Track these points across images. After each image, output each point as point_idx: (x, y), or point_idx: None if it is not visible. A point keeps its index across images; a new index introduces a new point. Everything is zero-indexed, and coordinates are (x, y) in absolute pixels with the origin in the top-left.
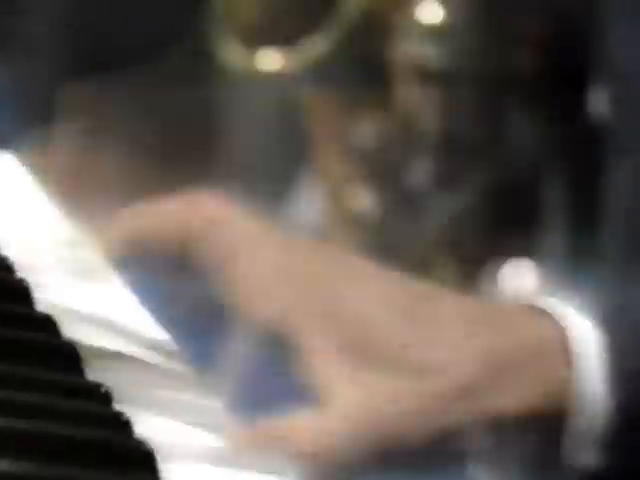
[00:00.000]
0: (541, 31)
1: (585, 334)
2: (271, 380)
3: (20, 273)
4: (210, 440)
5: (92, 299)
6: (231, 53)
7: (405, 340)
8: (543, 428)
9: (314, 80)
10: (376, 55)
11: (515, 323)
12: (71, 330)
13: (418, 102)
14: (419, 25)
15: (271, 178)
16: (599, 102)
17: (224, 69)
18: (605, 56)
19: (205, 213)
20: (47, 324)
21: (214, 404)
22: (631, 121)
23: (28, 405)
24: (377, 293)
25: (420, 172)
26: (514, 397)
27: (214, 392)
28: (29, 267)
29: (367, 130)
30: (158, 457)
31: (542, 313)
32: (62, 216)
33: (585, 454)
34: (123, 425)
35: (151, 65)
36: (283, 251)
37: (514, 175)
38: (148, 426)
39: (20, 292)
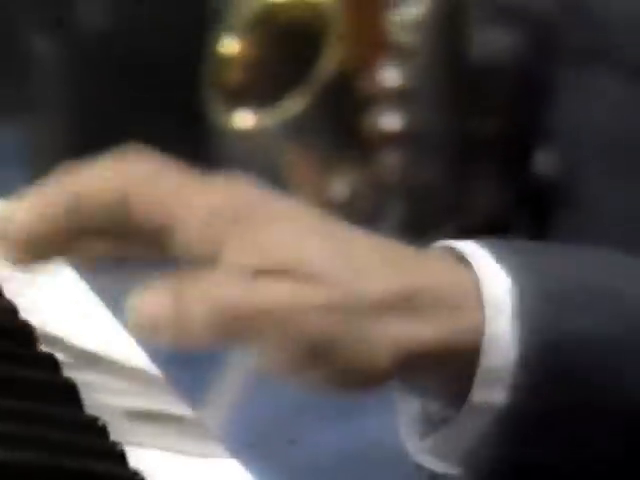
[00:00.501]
0: (498, 100)
1: (498, 280)
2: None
3: (23, 315)
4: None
5: (84, 334)
6: (218, 114)
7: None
8: (452, 366)
9: (294, 137)
10: (347, 117)
11: (432, 263)
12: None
13: (385, 160)
14: (384, 90)
15: None
16: (548, 163)
17: (214, 128)
18: (554, 122)
19: (141, 167)
20: (49, 363)
21: (201, 430)
22: (577, 180)
23: (29, 438)
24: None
25: (389, 221)
26: (422, 330)
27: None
28: (30, 309)
29: (341, 183)
30: None
31: (460, 257)
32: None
33: (494, 394)
34: (118, 456)
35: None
36: (217, 193)
37: (474, 224)
38: (137, 455)
39: (24, 334)
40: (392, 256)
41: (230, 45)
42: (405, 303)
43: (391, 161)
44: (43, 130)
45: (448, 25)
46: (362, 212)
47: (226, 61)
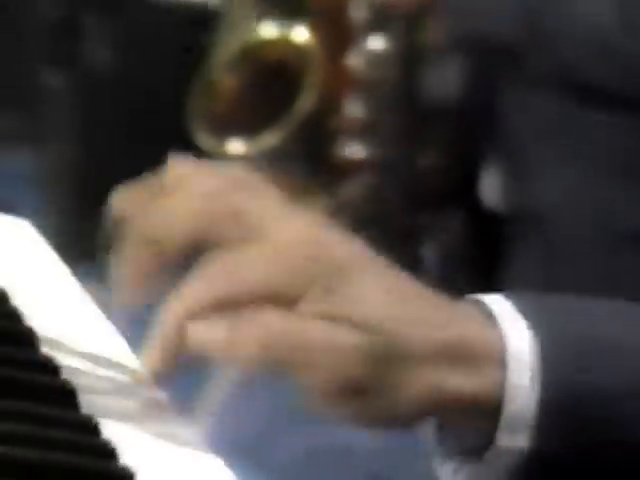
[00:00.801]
0: (453, 130)
1: (519, 334)
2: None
3: (27, 321)
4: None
5: (83, 336)
6: (205, 141)
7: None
8: (478, 412)
9: (272, 165)
10: (318, 148)
11: (465, 318)
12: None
13: (353, 188)
14: (349, 122)
15: None
16: (495, 192)
17: (203, 155)
18: (508, 150)
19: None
20: (49, 366)
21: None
22: (524, 210)
23: (27, 436)
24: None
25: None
26: (454, 381)
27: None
28: (33, 315)
29: (313, 205)
30: None
31: (484, 312)
32: (68, 274)
33: (517, 439)
34: (110, 452)
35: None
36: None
37: (431, 250)
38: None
39: (27, 338)
40: (435, 311)
41: (218, 79)
42: (440, 356)
43: (355, 187)
44: (54, 156)
45: (408, 60)
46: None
47: (214, 94)
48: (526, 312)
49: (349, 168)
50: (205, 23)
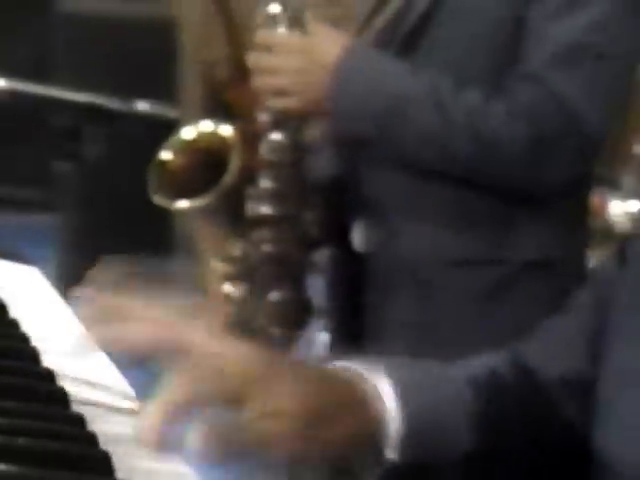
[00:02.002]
0: (328, 199)
1: (384, 387)
2: None
3: (42, 359)
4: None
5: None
6: (163, 201)
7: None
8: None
9: (206, 218)
10: (240, 205)
11: (338, 379)
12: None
13: (261, 235)
14: (259, 191)
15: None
16: (361, 239)
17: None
18: (364, 211)
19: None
20: (48, 376)
21: None
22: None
23: (21, 430)
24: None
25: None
26: (339, 432)
27: None
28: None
29: (235, 247)
30: None
31: (357, 373)
32: (74, 317)
33: (389, 452)
34: (92, 441)
35: None
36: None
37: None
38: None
39: (45, 374)
40: (337, 386)
41: (172, 159)
42: (348, 414)
43: (263, 234)
44: (61, 222)
45: (299, 148)
46: (248, 265)
47: (168, 170)
48: (389, 374)
49: (259, 221)
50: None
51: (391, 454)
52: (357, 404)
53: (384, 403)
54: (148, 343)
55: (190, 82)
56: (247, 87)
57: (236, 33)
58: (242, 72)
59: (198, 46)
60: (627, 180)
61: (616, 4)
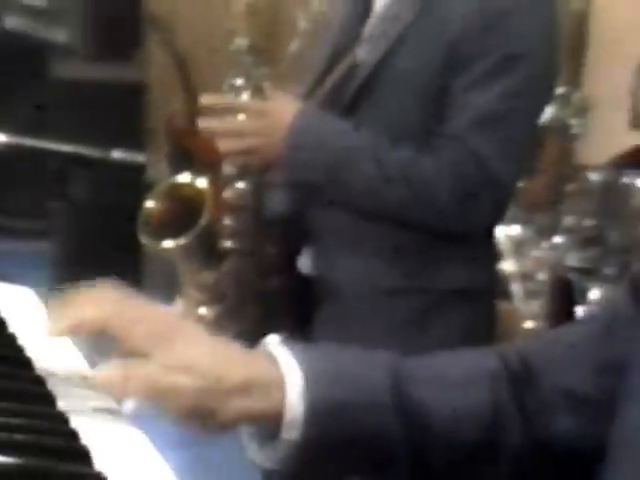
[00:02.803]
0: (282, 233)
1: (293, 371)
2: None
3: (36, 369)
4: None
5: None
6: (147, 242)
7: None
8: (270, 420)
9: (184, 256)
10: (211, 243)
11: (260, 361)
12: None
13: (229, 266)
14: (226, 230)
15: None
16: (308, 265)
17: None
18: (310, 242)
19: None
20: (38, 381)
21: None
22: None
23: (15, 442)
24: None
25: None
26: (251, 404)
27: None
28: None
29: (207, 277)
30: None
31: (270, 356)
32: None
33: (292, 433)
34: (86, 457)
35: None
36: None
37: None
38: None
39: (36, 379)
40: (241, 357)
41: (154, 207)
42: (244, 389)
43: (230, 265)
44: (54, 250)
45: (258, 193)
46: (219, 292)
47: (151, 216)
48: (297, 356)
49: (226, 254)
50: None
51: (289, 434)
52: (259, 384)
53: (288, 386)
54: (95, 322)
55: (156, 132)
56: (200, 135)
57: (192, 93)
58: (196, 124)
59: (161, 103)
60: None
61: (525, 78)
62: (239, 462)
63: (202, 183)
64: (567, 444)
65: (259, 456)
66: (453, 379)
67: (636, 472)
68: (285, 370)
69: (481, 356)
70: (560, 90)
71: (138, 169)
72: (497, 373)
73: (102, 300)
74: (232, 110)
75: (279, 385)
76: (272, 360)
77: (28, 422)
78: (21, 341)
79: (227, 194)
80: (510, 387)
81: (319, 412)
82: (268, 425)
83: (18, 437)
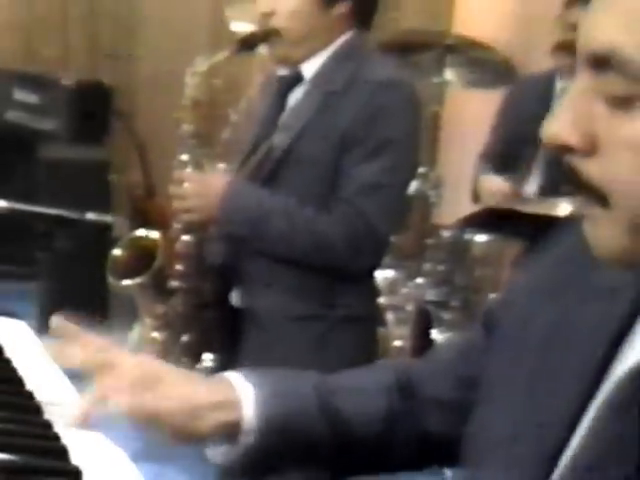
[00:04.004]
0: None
1: (246, 395)
2: None
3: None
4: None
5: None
6: (112, 281)
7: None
8: (232, 430)
9: (142, 292)
10: (163, 283)
11: (212, 384)
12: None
13: (177, 301)
14: (175, 272)
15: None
16: (238, 299)
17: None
18: (239, 281)
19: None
20: (37, 410)
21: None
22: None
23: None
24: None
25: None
26: (208, 424)
27: None
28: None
29: (159, 308)
30: None
31: (225, 380)
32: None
33: (249, 439)
34: (63, 454)
35: None
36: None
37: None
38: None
39: (27, 394)
40: (208, 384)
41: (120, 254)
42: (212, 407)
43: (178, 301)
44: (41, 290)
45: (200, 243)
46: (168, 321)
47: (116, 262)
48: (249, 381)
49: (174, 291)
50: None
51: (246, 439)
52: (223, 403)
53: (244, 403)
54: (84, 362)
55: (120, 199)
56: (154, 201)
57: (148, 168)
58: (151, 192)
59: (123, 177)
60: (386, 256)
61: (398, 158)
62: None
63: (156, 236)
64: (439, 436)
65: (221, 457)
66: (361, 389)
67: (479, 457)
68: (241, 392)
69: (380, 372)
70: (421, 169)
71: (106, 227)
72: (391, 385)
73: (90, 345)
74: (180, 181)
75: (237, 404)
76: (230, 385)
77: (19, 428)
78: (15, 364)
79: (176, 245)
80: (399, 395)
81: (268, 422)
82: (229, 433)
83: (9, 439)
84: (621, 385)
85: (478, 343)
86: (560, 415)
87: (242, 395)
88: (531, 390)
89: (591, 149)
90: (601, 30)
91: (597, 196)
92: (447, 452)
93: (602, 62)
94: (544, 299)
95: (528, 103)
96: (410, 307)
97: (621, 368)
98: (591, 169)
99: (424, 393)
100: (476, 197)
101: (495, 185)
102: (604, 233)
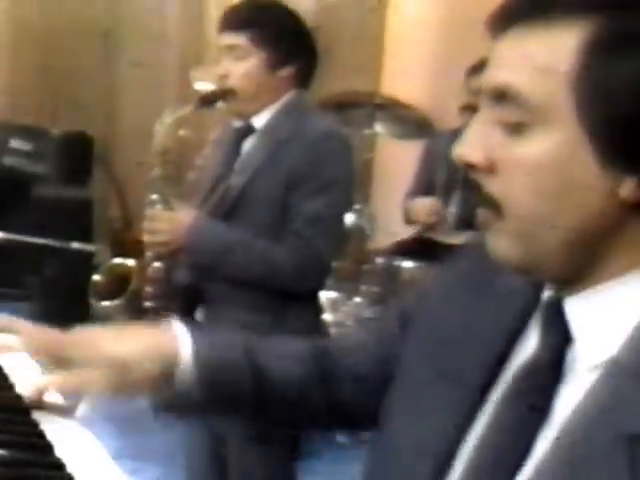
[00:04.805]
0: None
1: (183, 341)
2: None
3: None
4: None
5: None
6: (94, 304)
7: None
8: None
9: (122, 312)
10: (138, 305)
11: (151, 333)
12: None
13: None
14: (146, 292)
15: None
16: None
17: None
18: (204, 309)
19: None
20: (25, 411)
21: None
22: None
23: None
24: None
25: None
26: (140, 376)
27: None
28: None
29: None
30: None
31: (169, 332)
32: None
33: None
34: (48, 449)
35: None
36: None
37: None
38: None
39: (15, 397)
40: (145, 335)
41: (100, 279)
42: (143, 361)
43: (148, 318)
44: (30, 309)
45: (168, 280)
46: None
47: (97, 284)
48: (191, 332)
49: (147, 311)
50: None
51: (182, 385)
52: (159, 355)
53: (182, 353)
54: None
55: (101, 231)
56: (131, 233)
57: (125, 205)
58: (128, 224)
59: (104, 213)
60: (328, 279)
61: (337, 195)
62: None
63: (131, 263)
64: (350, 404)
65: (160, 400)
66: (283, 355)
67: (392, 434)
68: (180, 343)
69: (301, 343)
70: (357, 206)
71: (89, 255)
72: (308, 355)
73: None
74: (152, 217)
75: (175, 354)
76: (172, 336)
77: (6, 427)
78: (5, 369)
79: (148, 271)
80: (315, 364)
81: (201, 370)
82: (166, 381)
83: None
84: (515, 378)
85: (393, 331)
86: (463, 403)
87: (181, 345)
88: (439, 379)
89: (491, 168)
90: (499, 71)
91: (495, 208)
92: (358, 418)
93: (500, 95)
94: (452, 302)
95: (442, 152)
96: (350, 322)
97: (516, 362)
98: (491, 185)
99: (339, 364)
100: (408, 219)
101: (422, 203)
102: (501, 242)
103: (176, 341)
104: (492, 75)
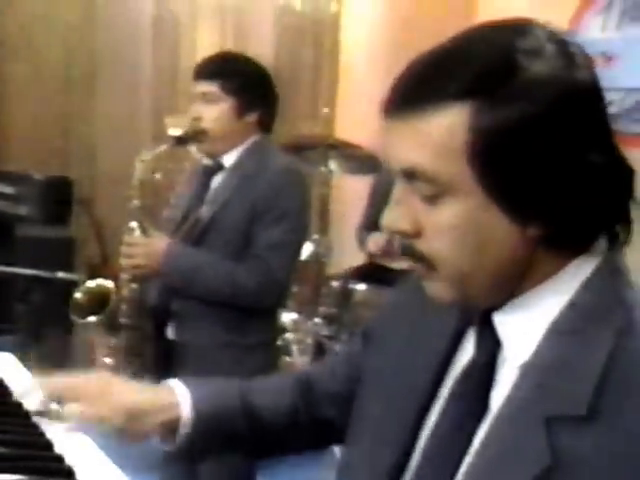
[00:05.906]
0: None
1: (184, 398)
2: None
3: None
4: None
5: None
6: (75, 318)
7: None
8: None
9: (99, 326)
10: (115, 320)
11: (156, 391)
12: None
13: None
14: (122, 311)
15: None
16: (174, 333)
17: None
18: (178, 315)
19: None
20: (25, 415)
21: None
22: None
23: None
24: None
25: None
26: (150, 423)
27: None
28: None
29: (111, 340)
30: None
31: (168, 387)
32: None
33: (185, 447)
34: (48, 447)
35: None
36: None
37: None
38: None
39: (15, 403)
40: (153, 392)
41: (81, 297)
42: (153, 411)
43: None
44: (20, 334)
45: (141, 290)
46: (117, 350)
47: (78, 303)
48: (187, 385)
49: (123, 327)
50: (73, 285)
51: (186, 431)
52: (164, 406)
53: (182, 404)
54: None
55: (80, 267)
56: (107, 267)
57: (103, 240)
58: (105, 260)
59: (84, 251)
60: (289, 302)
61: (294, 224)
62: None
63: (109, 284)
64: (331, 421)
65: (165, 446)
66: (270, 390)
67: (356, 437)
68: (180, 396)
69: (286, 377)
70: (315, 236)
71: (73, 283)
72: (293, 385)
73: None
74: (129, 242)
75: (177, 405)
76: (172, 390)
77: (6, 428)
78: (7, 384)
79: (124, 291)
80: (300, 392)
81: (201, 418)
82: (170, 429)
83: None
84: (457, 378)
85: (357, 350)
86: (414, 402)
87: (180, 397)
88: (393, 384)
89: (418, 233)
90: (403, 153)
91: (427, 264)
92: (338, 433)
93: (409, 175)
94: (403, 318)
95: (387, 187)
96: (310, 340)
97: (459, 365)
98: (421, 246)
99: (318, 388)
100: (363, 249)
101: (373, 238)
102: (436, 289)
103: (176, 395)
104: (397, 159)
